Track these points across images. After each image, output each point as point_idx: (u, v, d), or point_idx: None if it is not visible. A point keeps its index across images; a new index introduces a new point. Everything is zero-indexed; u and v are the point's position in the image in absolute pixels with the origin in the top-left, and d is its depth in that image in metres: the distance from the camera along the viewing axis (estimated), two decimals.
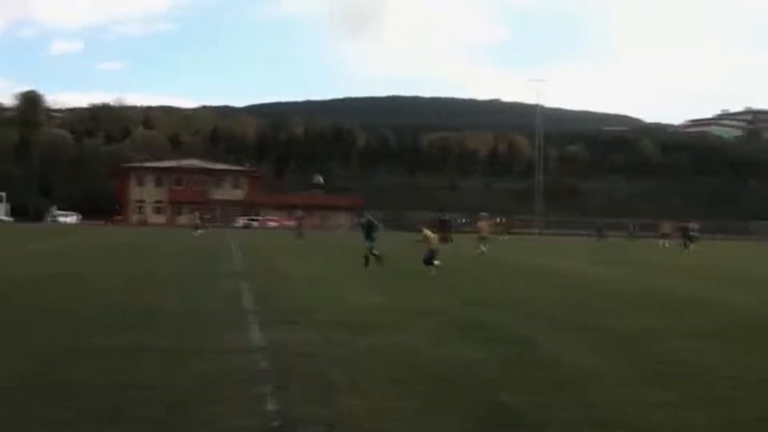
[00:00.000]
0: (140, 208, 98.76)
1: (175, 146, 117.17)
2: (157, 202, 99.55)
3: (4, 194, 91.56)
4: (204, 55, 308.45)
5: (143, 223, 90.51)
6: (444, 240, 32.56)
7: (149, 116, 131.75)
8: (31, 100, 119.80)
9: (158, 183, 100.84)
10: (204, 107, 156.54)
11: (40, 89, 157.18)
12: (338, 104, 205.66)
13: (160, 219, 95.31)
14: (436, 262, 20.42)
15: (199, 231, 49.61)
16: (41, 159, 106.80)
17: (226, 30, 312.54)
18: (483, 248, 32.01)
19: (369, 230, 23.83)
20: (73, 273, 19.06)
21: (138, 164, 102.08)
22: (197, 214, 55.72)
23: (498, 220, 63.44)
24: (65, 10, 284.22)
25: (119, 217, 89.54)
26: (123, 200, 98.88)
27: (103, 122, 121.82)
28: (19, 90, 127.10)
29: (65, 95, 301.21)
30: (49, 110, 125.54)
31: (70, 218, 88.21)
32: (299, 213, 59.11)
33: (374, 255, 22.99)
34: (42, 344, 9.28)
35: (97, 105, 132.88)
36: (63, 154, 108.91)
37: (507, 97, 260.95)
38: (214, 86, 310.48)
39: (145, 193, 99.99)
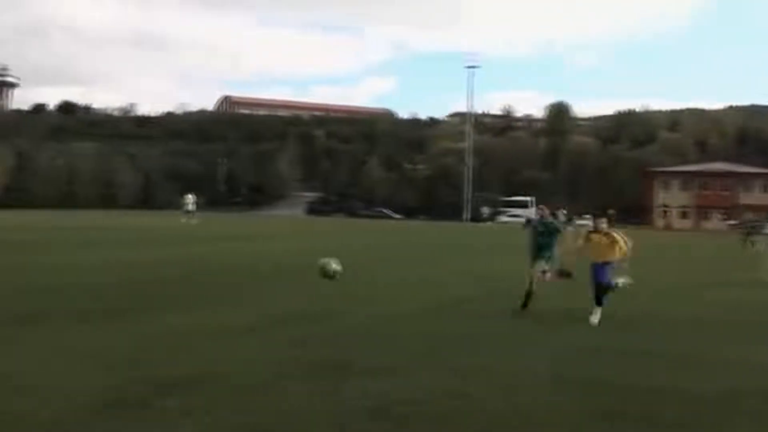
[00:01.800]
0: (665, 212, 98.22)
1: (702, 149, 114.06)
2: (683, 206, 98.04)
3: (532, 199, 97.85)
4: (731, 54, 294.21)
5: (668, 227, 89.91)
6: None
7: (675, 120, 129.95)
8: (559, 111, 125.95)
9: (684, 187, 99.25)
10: (731, 107, 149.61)
11: (568, 100, 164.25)
12: None
13: (686, 224, 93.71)
14: (620, 281, 13.06)
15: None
16: (569, 165, 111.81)
17: (753, 26, 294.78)
18: None
19: (543, 237, 14.11)
20: None
21: (664, 168, 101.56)
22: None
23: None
24: (584, 27, 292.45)
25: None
26: (648, 204, 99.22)
27: (628, 128, 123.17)
28: (549, 102, 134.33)
29: (592, 104, 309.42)
30: (576, 119, 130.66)
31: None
32: (610, 212, 52.86)
33: (528, 292, 13.80)
34: (553, 342, 10.07)
35: (621, 111, 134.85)
36: (589, 160, 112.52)
37: None
38: (742, 85, 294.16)
39: (669, 198, 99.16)
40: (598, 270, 12.64)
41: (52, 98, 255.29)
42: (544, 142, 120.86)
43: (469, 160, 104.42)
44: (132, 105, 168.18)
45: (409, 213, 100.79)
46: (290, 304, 13.12)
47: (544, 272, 13.74)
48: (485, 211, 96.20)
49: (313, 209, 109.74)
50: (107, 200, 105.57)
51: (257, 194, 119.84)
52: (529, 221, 15.67)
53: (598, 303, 12.41)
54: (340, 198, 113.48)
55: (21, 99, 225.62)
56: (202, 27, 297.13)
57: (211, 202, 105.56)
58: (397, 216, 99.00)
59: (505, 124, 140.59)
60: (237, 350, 9.20)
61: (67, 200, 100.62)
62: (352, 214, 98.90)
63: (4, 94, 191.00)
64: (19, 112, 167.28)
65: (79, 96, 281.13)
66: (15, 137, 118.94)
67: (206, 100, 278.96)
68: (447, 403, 7.03)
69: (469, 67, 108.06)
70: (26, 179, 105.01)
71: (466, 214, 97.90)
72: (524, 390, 7.56)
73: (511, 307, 13.57)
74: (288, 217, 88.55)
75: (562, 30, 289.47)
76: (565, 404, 7.07)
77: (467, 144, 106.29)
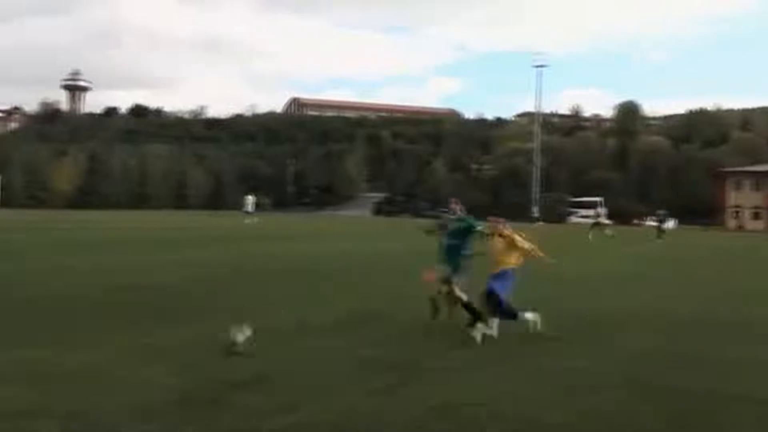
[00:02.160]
0: (737, 213, 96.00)
1: None
2: (755, 207, 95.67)
3: (602, 200, 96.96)
4: None
5: (740, 228, 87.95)
6: None
7: (747, 119, 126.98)
8: (629, 110, 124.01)
9: (756, 187, 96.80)
10: None
11: (638, 98, 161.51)
12: None
13: (759, 225, 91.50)
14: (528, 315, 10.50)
15: (608, 232, 42.81)
16: (639, 165, 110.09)
17: None
18: None
19: (451, 239, 11.38)
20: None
21: (735, 168, 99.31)
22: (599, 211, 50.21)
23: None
24: (653, 24, 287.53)
25: (638, 221, 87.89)
26: (719, 205, 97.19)
27: (699, 127, 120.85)
28: (618, 101, 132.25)
29: (662, 103, 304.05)
30: (646, 118, 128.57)
31: (668, 223, 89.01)
32: (661, 211, 51.36)
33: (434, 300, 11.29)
34: (633, 345, 10.11)
35: (693, 111, 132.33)
36: (660, 160, 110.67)
37: None
38: None
39: (742, 198, 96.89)
40: (493, 280, 10.42)
41: (123, 101, 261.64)
42: (613, 142, 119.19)
43: (538, 160, 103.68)
44: (202, 107, 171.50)
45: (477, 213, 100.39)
46: (348, 304, 13.29)
47: (449, 284, 10.99)
48: (535, 211, 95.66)
49: (380, 209, 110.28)
50: (179, 201, 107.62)
51: (326, 195, 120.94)
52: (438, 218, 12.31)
53: (495, 314, 10.28)
54: (407, 198, 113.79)
55: (93, 102, 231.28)
56: (270, 30, 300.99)
57: (279, 202, 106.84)
58: None
59: (573, 123, 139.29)
60: (299, 350, 9.33)
61: (139, 201, 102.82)
62: (418, 214, 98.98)
63: (76, 98, 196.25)
64: (91, 115, 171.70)
65: (150, 99, 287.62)
66: (88, 140, 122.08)
67: (275, 102, 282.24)
68: (514, 404, 7.09)
69: (537, 66, 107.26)
70: (99, 181, 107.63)
71: (535, 215, 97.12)
72: (590, 392, 7.59)
73: (575, 308, 13.58)
74: (353, 217, 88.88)
75: (630, 27, 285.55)
76: (638, 408, 7.06)
77: (535, 144, 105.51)
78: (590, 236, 41.37)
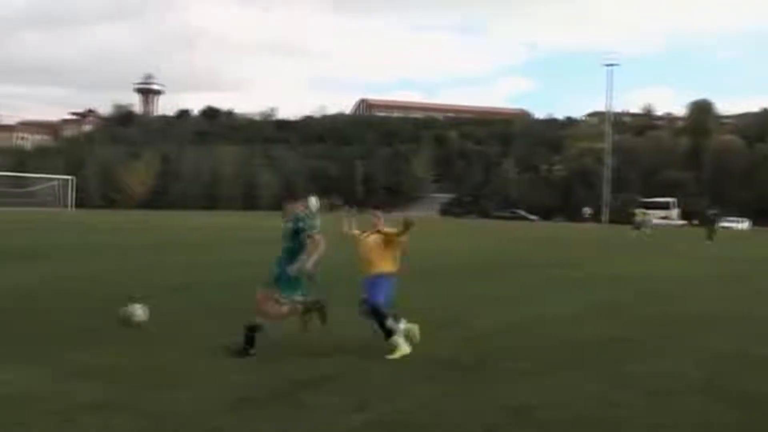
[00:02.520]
0: None
1: None
2: None
3: (674, 200, 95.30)
4: None
5: None
6: None
7: None
8: (702, 109, 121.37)
9: None
10: None
11: (710, 97, 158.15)
12: None
13: None
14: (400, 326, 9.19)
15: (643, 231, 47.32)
16: (713, 165, 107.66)
17: None
18: None
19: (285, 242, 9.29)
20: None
21: None
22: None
23: None
24: (724, 20, 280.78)
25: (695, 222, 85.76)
26: None
27: None
28: (690, 99, 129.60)
29: (736, 101, 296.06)
30: (719, 117, 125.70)
31: (741, 224, 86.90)
32: (711, 211, 49.15)
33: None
34: (705, 349, 9.97)
35: (767, 109, 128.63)
36: (734, 159, 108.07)
37: None
38: None
39: None
40: (370, 286, 9.23)
41: (195, 104, 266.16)
42: (685, 141, 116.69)
43: (609, 160, 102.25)
44: (272, 109, 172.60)
45: (546, 214, 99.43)
46: (418, 304, 13.33)
47: (277, 300, 9.13)
48: (586, 211, 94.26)
49: (447, 210, 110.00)
50: (249, 202, 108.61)
51: (393, 196, 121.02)
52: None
53: (386, 332, 9.04)
54: (473, 199, 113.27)
55: (166, 105, 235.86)
56: (339, 32, 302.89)
57: (348, 203, 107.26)
58: (533, 217, 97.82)
59: (645, 122, 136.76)
60: (369, 350, 9.28)
61: (211, 202, 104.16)
62: (485, 215, 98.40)
63: (149, 101, 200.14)
64: (164, 117, 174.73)
65: (221, 101, 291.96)
66: (161, 142, 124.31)
67: (344, 104, 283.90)
68: (591, 408, 7.04)
69: (608, 65, 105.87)
70: (171, 182, 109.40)
71: (586, 215, 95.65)
72: (671, 397, 7.52)
73: (657, 311, 13.43)
74: (419, 218, 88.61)
75: (703, 24, 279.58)
76: (717, 415, 7.00)
77: (606, 144, 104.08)
78: (647, 233, 44.82)
